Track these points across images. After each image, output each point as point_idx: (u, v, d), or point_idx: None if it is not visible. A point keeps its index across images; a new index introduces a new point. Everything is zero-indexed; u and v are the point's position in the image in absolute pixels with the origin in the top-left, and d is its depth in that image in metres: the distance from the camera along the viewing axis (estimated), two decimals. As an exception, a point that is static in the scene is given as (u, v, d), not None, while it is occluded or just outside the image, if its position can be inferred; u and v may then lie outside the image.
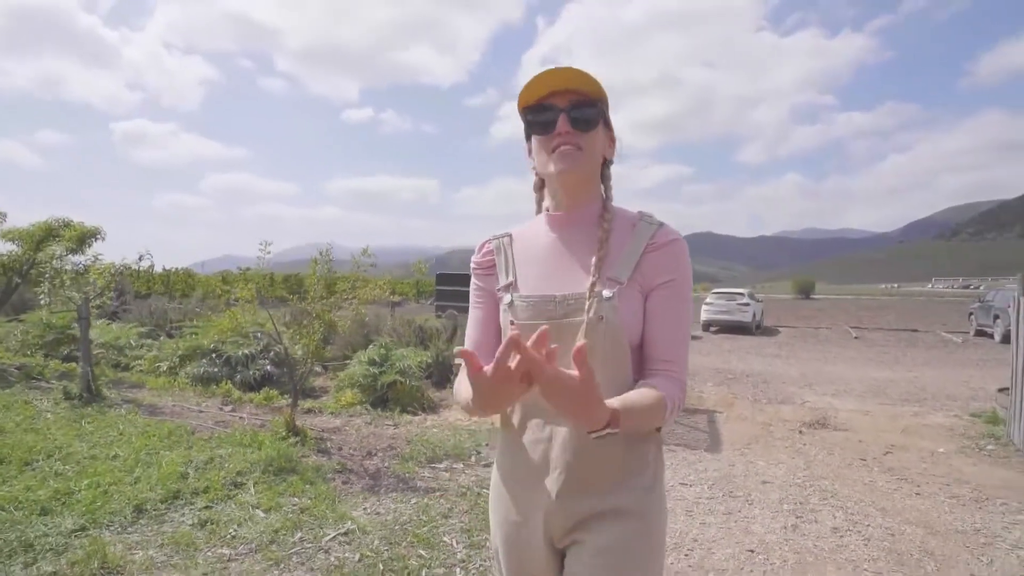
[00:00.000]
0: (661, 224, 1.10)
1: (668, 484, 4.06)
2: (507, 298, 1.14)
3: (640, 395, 0.98)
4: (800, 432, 5.64)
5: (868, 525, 3.36)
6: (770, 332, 18.03)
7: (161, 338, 10.00)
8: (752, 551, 2.99)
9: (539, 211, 1.24)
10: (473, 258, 1.26)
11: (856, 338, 16.35)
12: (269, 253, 4.76)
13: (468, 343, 1.20)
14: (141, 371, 8.43)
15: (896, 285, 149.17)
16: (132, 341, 9.87)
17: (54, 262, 7.22)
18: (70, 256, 7.81)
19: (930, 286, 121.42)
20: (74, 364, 8.81)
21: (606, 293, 1.03)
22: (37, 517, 3.22)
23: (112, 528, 3.12)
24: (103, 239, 8.68)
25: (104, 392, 6.53)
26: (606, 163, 1.17)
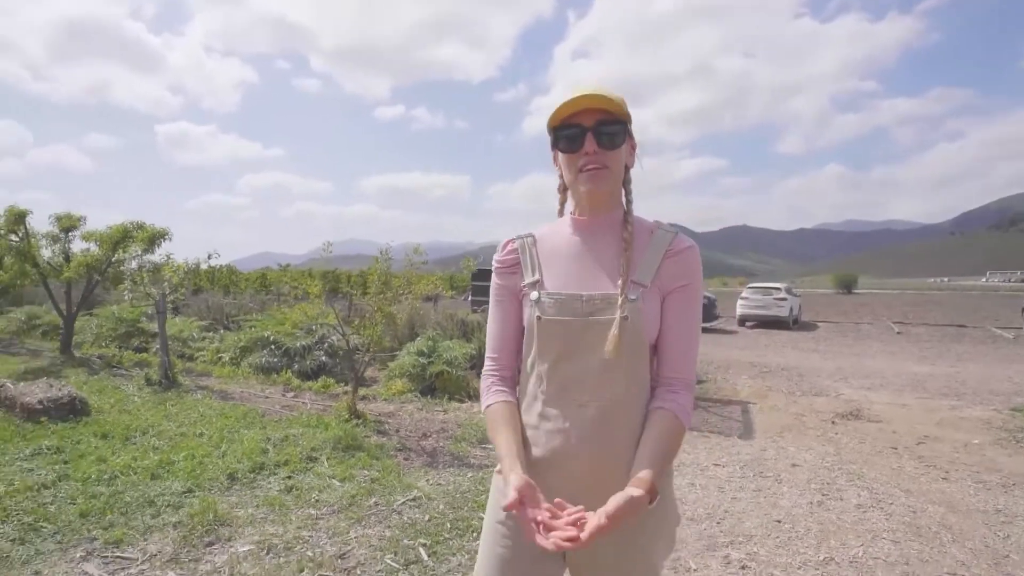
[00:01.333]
0: (677, 232, 1.19)
1: (701, 465, 4.36)
2: (534, 295, 1.20)
3: (658, 437, 1.09)
4: (833, 422, 5.82)
5: (891, 503, 3.59)
6: (808, 327, 17.87)
7: (221, 331, 10.70)
8: (779, 521, 3.28)
9: (561, 212, 1.31)
10: (496, 256, 1.29)
11: (899, 333, 16.09)
12: (330, 252, 5.23)
13: (491, 340, 1.29)
14: (204, 361, 9.08)
15: (946, 279, 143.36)
16: (194, 334, 10.60)
17: (134, 261, 7.90)
18: (147, 256, 8.52)
19: (984, 280, 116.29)
20: (145, 354, 9.57)
21: (631, 295, 1.12)
22: (150, 481, 3.75)
23: (212, 491, 3.61)
24: (170, 239, 9.40)
25: (179, 379, 7.17)
26: (627, 170, 1.23)
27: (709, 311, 16.13)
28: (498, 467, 1.21)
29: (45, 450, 4.38)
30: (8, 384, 6.04)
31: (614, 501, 0.97)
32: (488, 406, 1.24)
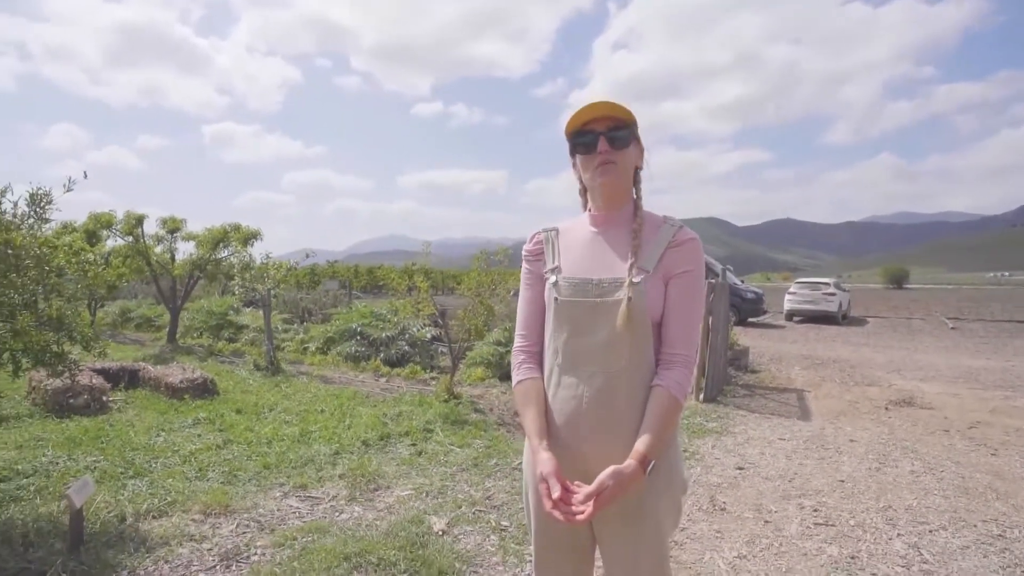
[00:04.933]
0: (681, 226, 1.35)
1: (768, 440, 4.91)
2: (553, 279, 1.38)
3: (654, 414, 1.26)
4: (886, 408, 6.24)
5: (942, 471, 4.09)
6: (857, 322, 17.91)
7: (305, 324, 11.65)
8: (842, 481, 3.84)
9: (585, 210, 1.48)
10: (525, 247, 1.49)
11: (953, 328, 16.01)
12: (430, 250, 5.96)
13: (520, 319, 1.46)
14: (292, 351, 10.00)
15: (1007, 273, 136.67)
16: (278, 326, 11.59)
17: (239, 258, 8.85)
18: (243, 255, 9.48)
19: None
20: (238, 344, 10.58)
21: (636, 279, 1.28)
22: (299, 446, 4.52)
23: (354, 454, 4.36)
24: (262, 240, 10.36)
25: (282, 366, 8.07)
26: (637, 171, 1.40)
27: (756, 305, 16.38)
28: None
29: (202, 421, 5.24)
30: (148, 367, 7.03)
31: (604, 473, 1.17)
32: (518, 382, 1.42)
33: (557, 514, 1.17)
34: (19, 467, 3.77)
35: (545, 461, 1.24)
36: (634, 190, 1.41)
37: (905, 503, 3.46)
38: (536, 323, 1.43)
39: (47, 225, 3.09)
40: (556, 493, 1.19)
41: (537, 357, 1.43)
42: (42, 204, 2.99)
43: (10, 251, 2.79)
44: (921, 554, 2.84)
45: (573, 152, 1.39)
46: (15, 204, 2.93)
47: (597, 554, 1.44)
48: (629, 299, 1.26)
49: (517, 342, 1.46)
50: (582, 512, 1.15)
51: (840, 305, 17.42)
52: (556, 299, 1.35)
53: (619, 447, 1.25)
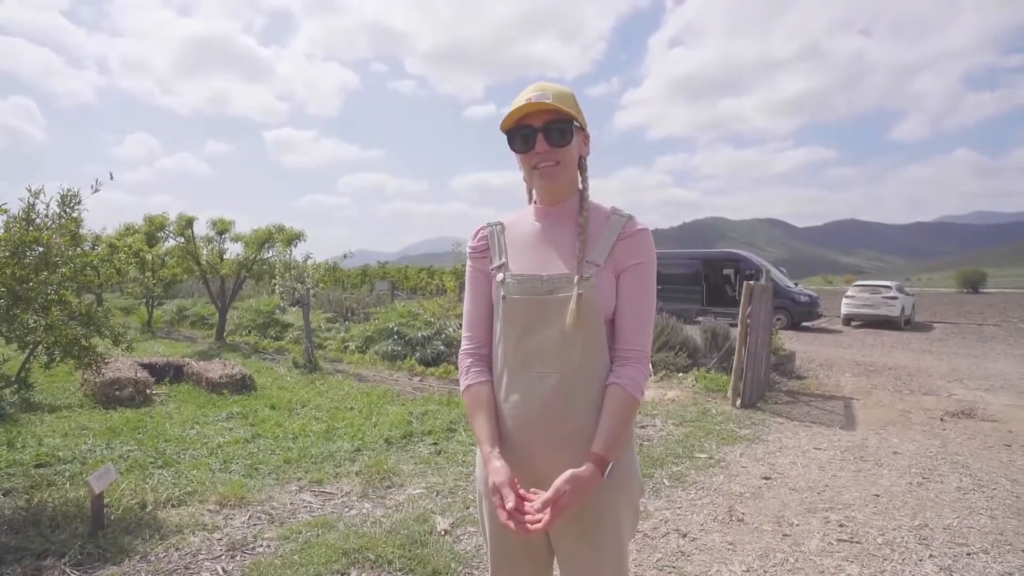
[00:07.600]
0: (630, 216, 1.29)
1: (802, 449, 4.66)
2: (500, 276, 1.31)
3: (611, 413, 1.21)
4: (941, 419, 5.81)
5: (995, 489, 3.75)
6: (922, 328, 16.83)
7: (346, 323, 11.92)
8: (877, 495, 3.57)
9: (530, 199, 1.40)
10: (469, 243, 1.41)
11: (1030, 335, 14.81)
12: (460, 249, 5.95)
13: (466, 319, 1.39)
14: (333, 349, 10.24)
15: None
16: (322, 324, 11.90)
17: (281, 258, 9.15)
18: (286, 256, 9.80)
19: None
20: (282, 342, 10.92)
21: (586, 274, 1.23)
22: (323, 442, 4.61)
23: (375, 451, 4.40)
24: (305, 241, 10.67)
25: (320, 364, 8.27)
26: (582, 160, 1.32)
27: (810, 309, 15.66)
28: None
29: (235, 415, 5.42)
30: (192, 362, 7.33)
31: (560, 478, 1.12)
32: (467, 387, 1.34)
33: (512, 525, 1.11)
34: (60, 454, 3.99)
35: (498, 470, 1.18)
36: (580, 179, 1.33)
37: (944, 522, 3.18)
38: (483, 324, 1.36)
39: (97, 227, 3.25)
40: (510, 504, 1.13)
41: (486, 360, 1.36)
42: (72, 205, 3.14)
43: (41, 249, 2.94)
44: (957, 578, 2.60)
45: (511, 147, 1.30)
46: (47, 205, 3.09)
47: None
48: (580, 295, 1.20)
49: (464, 345, 1.38)
50: (538, 521, 1.09)
51: (903, 310, 16.42)
52: (504, 297, 1.28)
53: (575, 450, 1.20)
